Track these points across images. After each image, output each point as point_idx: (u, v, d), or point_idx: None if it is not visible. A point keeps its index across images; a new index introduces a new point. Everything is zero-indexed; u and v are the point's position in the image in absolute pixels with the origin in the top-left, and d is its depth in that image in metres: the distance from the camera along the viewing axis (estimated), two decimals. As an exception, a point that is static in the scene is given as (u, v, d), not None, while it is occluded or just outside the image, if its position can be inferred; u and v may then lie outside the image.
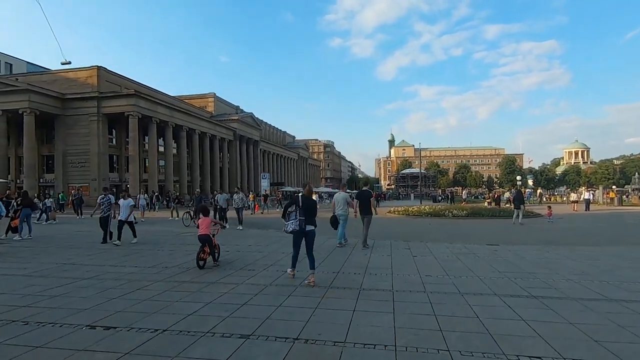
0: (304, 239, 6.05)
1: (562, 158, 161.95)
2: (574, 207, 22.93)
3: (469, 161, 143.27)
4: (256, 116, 70.08)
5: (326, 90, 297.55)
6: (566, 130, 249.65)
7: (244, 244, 10.40)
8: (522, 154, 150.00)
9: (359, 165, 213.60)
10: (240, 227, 14.63)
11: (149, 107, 39.72)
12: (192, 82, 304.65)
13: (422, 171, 67.22)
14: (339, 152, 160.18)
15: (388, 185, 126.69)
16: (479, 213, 20.75)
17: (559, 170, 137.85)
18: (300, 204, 6.09)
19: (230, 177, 59.55)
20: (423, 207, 24.56)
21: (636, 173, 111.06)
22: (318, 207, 6.67)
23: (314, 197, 30.41)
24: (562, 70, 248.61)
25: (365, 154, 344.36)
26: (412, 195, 67.45)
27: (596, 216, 21.34)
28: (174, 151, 48.38)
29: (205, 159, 53.26)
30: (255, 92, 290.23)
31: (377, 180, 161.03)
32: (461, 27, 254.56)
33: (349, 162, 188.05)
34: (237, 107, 69.94)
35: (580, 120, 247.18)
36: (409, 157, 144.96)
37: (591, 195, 23.99)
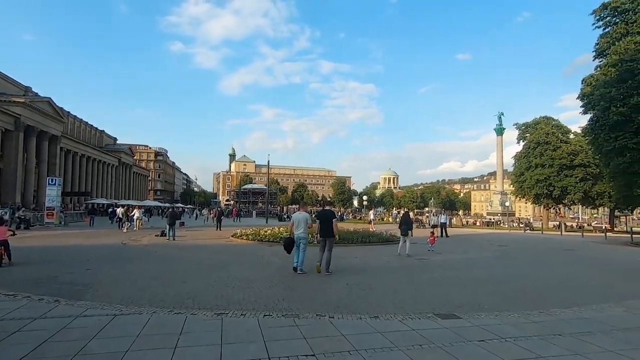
0: None
1: (379, 183, 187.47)
2: (434, 232, 21.64)
3: (306, 180, 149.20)
4: (60, 106, 53.08)
5: (163, 95, 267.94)
6: (379, 160, 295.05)
7: None
8: (350, 177, 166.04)
9: (196, 179, 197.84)
10: None
11: None
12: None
13: (267, 187, 63.23)
14: (174, 163, 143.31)
15: (227, 200, 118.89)
16: (348, 238, 16.91)
17: (378, 193, 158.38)
18: None
19: (3, 181, 41.98)
20: (279, 229, 19.48)
21: (432, 198, 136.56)
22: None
23: (137, 213, 21.42)
24: (377, 110, 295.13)
25: (203, 167, 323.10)
26: (254, 212, 62.40)
27: (466, 241, 20.24)
28: None
29: (-44, 152, 35.62)
30: (70, 85, 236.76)
31: (215, 195, 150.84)
32: (301, 58, 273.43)
33: (185, 174, 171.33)
34: (28, 89, 51.49)
35: (388, 153, 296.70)
36: (250, 172, 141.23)
37: (447, 219, 23.18)
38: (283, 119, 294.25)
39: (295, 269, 9.07)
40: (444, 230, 20.18)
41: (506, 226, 41.18)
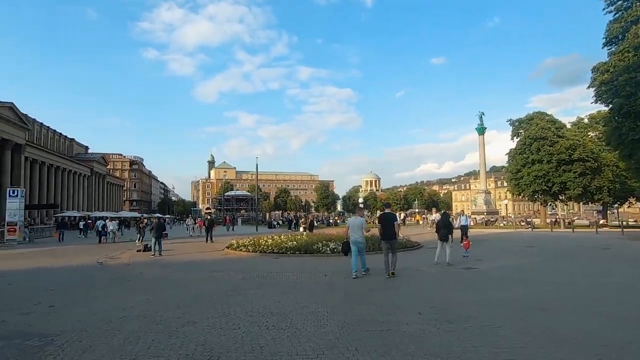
0: None
1: (361, 186, 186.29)
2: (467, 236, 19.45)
3: (288, 185, 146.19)
4: (24, 113, 48.81)
5: (137, 103, 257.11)
6: (358, 164, 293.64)
7: None
8: (332, 181, 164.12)
9: (173, 188, 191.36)
10: None
11: None
12: None
13: (250, 193, 60.35)
14: (150, 171, 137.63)
15: (207, 209, 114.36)
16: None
17: (361, 196, 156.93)
18: None
19: (-41, 196, 37.63)
20: (280, 237, 17.09)
21: (415, 199, 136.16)
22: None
23: (111, 225, 18.54)
24: (356, 115, 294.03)
25: (180, 176, 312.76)
26: (239, 220, 59.27)
27: (488, 243, 18.22)
28: None
29: None
30: (37, 93, 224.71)
31: (194, 204, 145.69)
32: (279, 63, 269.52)
33: (162, 183, 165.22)
34: (-13, 93, 47.12)
35: (367, 157, 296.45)
36: (231, 179, 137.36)
37: (469, 221, 20.96)
38: (262, 126, 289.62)
39: (355, 274, 8.97)
40: (464, 234, 17.93)
41: (502, 225, 40.14)
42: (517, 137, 41.74)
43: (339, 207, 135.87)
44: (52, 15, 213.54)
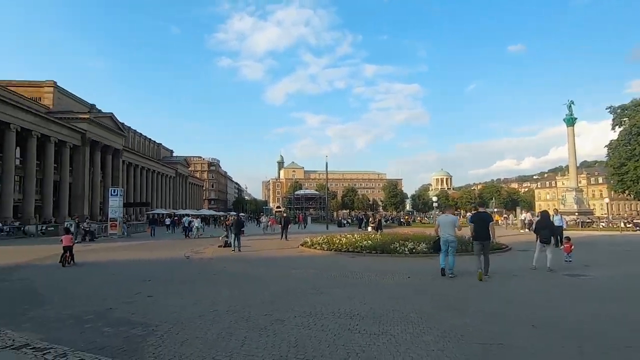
0: None
1: (430, 184, 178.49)
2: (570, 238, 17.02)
3: (355, 185, 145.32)
4: (121, 122, 54.89)
5: (213, 108, 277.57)
6: (427, 161, 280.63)
7: None
8: (401, 179, 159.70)
9: (246, 187, 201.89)
10: None
11: None
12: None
13: (318, 192, 61.04)
14: (225, 172, 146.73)
15: (277, 207, 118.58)
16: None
17: (431, 194, 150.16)
18: None
19: (72, 194, 43.55)
20: (354, 236, 16.76)
21: (493, 198, 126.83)
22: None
23: (196, 222, 19.76)
24: (423, 111, 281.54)
25: (251, 176, 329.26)
26: (309, 218, 60.30)
27: (587, 247, 16.29)
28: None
29: (30, 167, 37.17)
30: (130, 107, 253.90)
31: (266, 203, 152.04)
32: (344, 63, 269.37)
33: (236, 183, 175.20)
34: (92, 106, 53.79)
35: (437, 154, 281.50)
36: (299, 178, 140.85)
37: (563, 222, 17.39)
38: (328, 125, 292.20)
39: (442, 270, 8.81)
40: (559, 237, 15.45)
41: (600, 226, 35.41)
42: (619, 127, 36.43)
43: (408, 206, 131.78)
44: (141, 34, 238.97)
